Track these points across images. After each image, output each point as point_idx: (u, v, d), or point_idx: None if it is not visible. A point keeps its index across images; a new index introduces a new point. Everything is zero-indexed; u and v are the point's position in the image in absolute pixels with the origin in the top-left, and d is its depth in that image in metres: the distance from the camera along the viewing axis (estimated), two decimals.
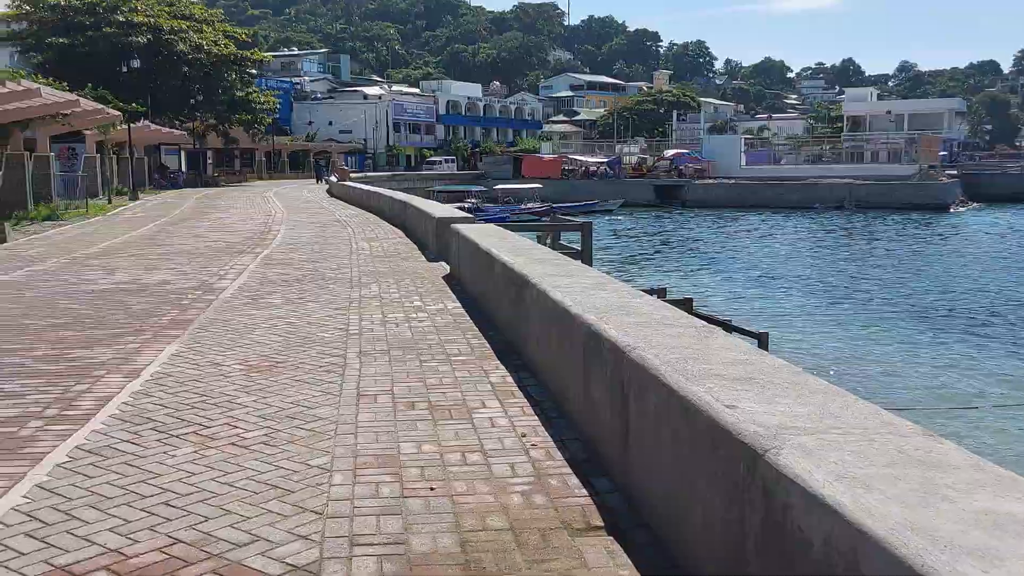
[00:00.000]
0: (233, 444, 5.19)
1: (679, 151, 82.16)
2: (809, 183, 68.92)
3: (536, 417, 5.67)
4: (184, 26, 55.19)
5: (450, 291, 11.12)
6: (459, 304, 10.08)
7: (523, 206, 52.45)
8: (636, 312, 5.20)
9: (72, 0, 52.08)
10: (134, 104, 41.52)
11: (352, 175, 51.21)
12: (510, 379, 6.63)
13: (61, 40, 50.31)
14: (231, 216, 27.38)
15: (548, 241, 15.22)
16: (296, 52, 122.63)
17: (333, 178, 48.56)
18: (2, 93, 20.79)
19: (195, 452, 5.04)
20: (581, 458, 4.87)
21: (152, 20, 52.78)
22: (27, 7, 52.38)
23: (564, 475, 4.63)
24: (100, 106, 32.33)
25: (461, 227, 12.13)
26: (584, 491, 4.41)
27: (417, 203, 20.12)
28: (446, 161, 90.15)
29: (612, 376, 4.49)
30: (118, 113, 35.75)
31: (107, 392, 6.32)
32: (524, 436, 5.30)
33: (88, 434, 5.35)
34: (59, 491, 4.44)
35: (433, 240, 15.32)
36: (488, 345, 7.87)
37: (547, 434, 5.32)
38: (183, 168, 62.72)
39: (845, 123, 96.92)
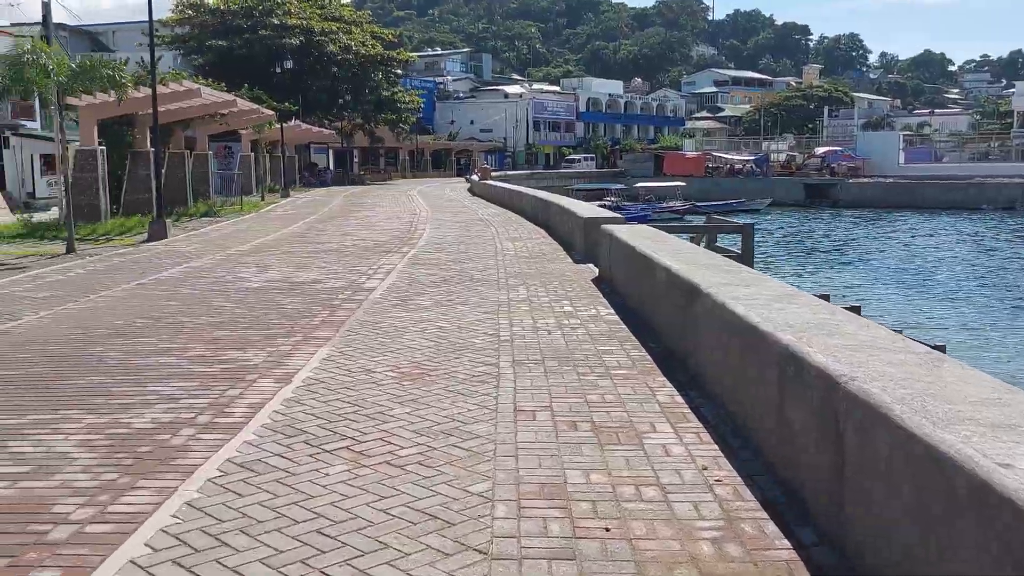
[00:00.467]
0: (387, 463, 4.83)
1: (831, 148, 78.68)
2: (975, 182, 64.53)
3: (715, 445, 5.07)
4: (334, 27, 56.82)
5: (601, 295, 10.59)
6: (612, 310, 9.53)
7: (664, 204, 51.27)
8: (840, 332, 4.52)
9: (231, 4, 54.48)
10: (286, 104, 42.92)
11: (492, 174, 51.41)
12: (679, 398, 6.05)
13: (220, 43, 52.66)
14: (377, 214, 27.75)
15: (703, 243, 14.44)
16: (439, 52, 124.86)
17: (474, 177, 48.88)
18: (165, 93, 21.66)
19: (348, 471, 4.70)
20: (777, 500, 4.24)
21: (304, 22, 54.55)
22: (190, 12, 55.14)
23: (759, 520, 4.03)
24: (255, 106, 33.48)
25: (613, 228, 11.57)
26: (786, 542, 3.79)
27: (561, 202, 19.68)
28: (585, 159, 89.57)
29: (820, 407, 3.85)
30: (272, 113, 36.98)
31: (259, 398, 6.12)
32: (705, 469, 4.71)
33: (240, 445, 5.12)
34: (209, 511, 4.17)
35: (580, 241, 14.82)
36: (649, 357, 7.30)
37: (731, 467, 4.72)
38: (331, 166, 64.73)
39: (1015, 118, 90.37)
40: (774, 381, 4.50)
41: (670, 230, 12.70)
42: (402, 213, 28.12)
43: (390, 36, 65.54)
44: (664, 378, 6.60)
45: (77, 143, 21.68)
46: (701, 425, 5.44)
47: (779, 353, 4.44)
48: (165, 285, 11.96)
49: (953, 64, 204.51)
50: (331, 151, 66.29)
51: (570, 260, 14.31)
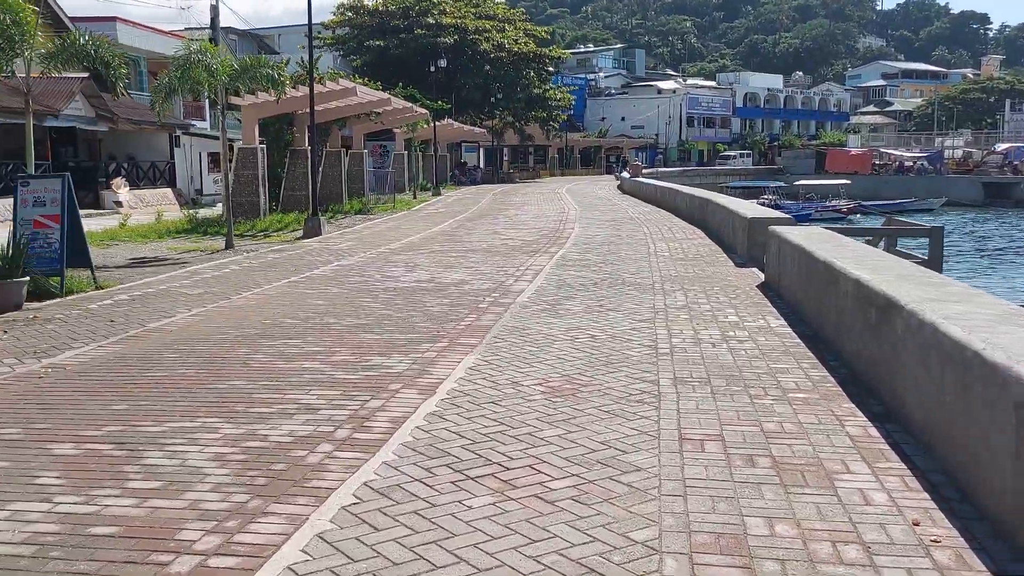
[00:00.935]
0: (537, 497, 4.28)
1: (1014, 144, 72.83)
2: None
3: (925, 495, 4.25)
4: (488, 26, 57.17)
5: (768, 303, 9.71)
6: (783, 321, 8.67)
7: (827, 203, 48.67)
8: None
9: (389, 5, 55.71)
10: (439, 102, 43.38)
11: (643, 171, 50.32)
12: (874, 431, 5.21)
13: (377, 43, 53.93)
14: (526, 213, 27.42)
15: (880, 246, 13.20)
16: (592, 48, 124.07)
17: (625, 174, 48.00)
18: (323, 92, 22.02)
19: (494, 505, 4.18)
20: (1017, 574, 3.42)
21: (459, 21, 55.11)
22: (349, 13, 56.78)
23: None
24: (409, 104, 33.86)
25: (782, 230, 10.63)
26: None
27: (720, 200, 18.68)
28: (741, 155, 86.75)
29: None
30: (424, 111, 37.36)
31: (401, 412, 5.71)
32: (917, 525, 3.91)
33: (378, 467, 4.69)
34: (341, 547, 3.74)
35: (742, 242, 13.89)
36: (831, 378, 6.45)
37: (949, 525, 3.91)
38: (480, 164, 65.29)
39: None
40: (1010, 425, 3.66)
41: (846, 232, 11.60)
42: (550, 211, 27.68)
43: (543, 33, 65.37)
44: (852, 405, 5.77)
45: (240, 142, 22.36)
46: (905, 468, 4.61)
47: (1020, 392, 3.59)
48: (315, 283, 11.90)
49: None
50: (481, 149, 66.85)
51: (731, 263, 13.41)
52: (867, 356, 6.20)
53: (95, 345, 7.84)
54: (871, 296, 6.12)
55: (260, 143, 22.44)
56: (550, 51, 63.01)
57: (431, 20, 54.01)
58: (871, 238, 14.64)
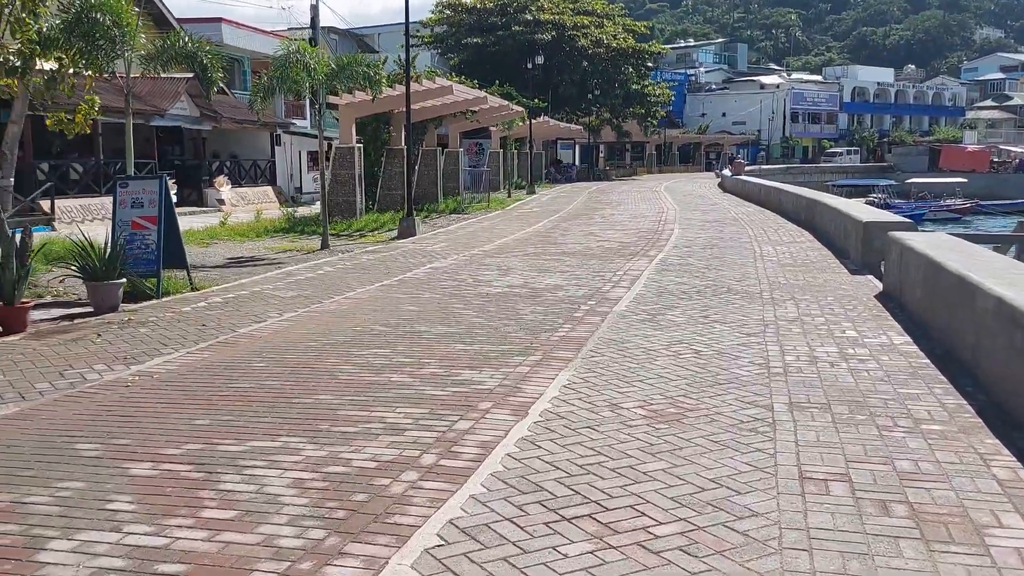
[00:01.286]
0: (640, 545, 3.83)
1: None
2: None
3: None
4: (586, 22, 56.52)
5: (890, 317, 8.97)
6: (907, 337, 7.95)
7: (941, 203, 46.35)
8: None
9: (487, 2, 55.64)
10: (535, 100, 43.02)
11: (745, 168, 48.88)
12: None
13: (475, 40, 53.93)
14: (623, 213, 26.80)
15: (1011, 253, 12.21)
16: (692, 43, 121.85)
17: (726, 171, 46.75)
18: (419, 90, 21.89)
19: (592, 554, 3.75)
20: None
21: (557, 18, 54.65)
22: (448, 11, 56.96)
23: None
24: (505, 102, 33.61)
25: (904, 236, 9.85)
26: None
27: (829, 201, 17.75)
28: (848, 152, 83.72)
29: None
30: (520, 109, 37.06)
31: (491, 435, 5.32)
32: None
33: (465, 502, 4.31)
34: None
35: (856, 248, 13.06)
36: (969, 407, 5.78)
37: None
38: (576, 162, 64.71)
39: None
40: None
41: (973, 239, 10.70)
42: (648, 211, 27.00)
43: (642, 28, 64.34)
44: (996, 440, 5.12)
45: (337, 141, 22.46)
46: None
47: None
48: (408, 287, 11.66)
49: None
50: (577, 146, 66.23)
51: (844, 270, 12.60)
52: (1012, 384, 5.52)
53: (184, 351, 7.72)
54: (1017, 317, 5.44)
55: (357, 142, 22.49)
56: (649, 46, 61.98)
57: (529, 17, 53.71)
58: (998, 245, 13.59)
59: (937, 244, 8.87)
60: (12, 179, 21.01)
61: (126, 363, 7.25)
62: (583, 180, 57.20)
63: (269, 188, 33.69)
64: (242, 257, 15.59)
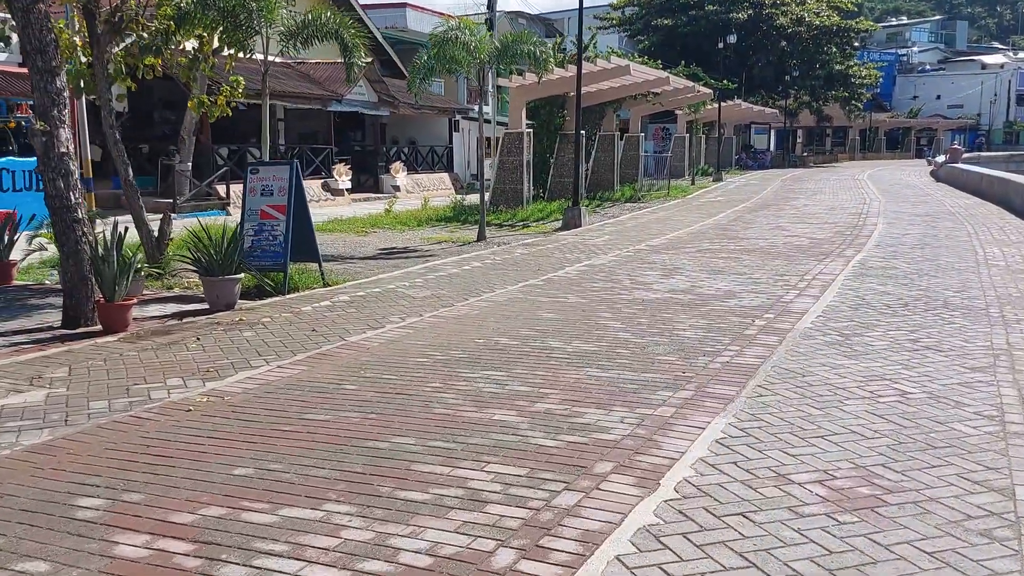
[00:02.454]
0: None
1: None
2: None
3: None
4: None
5: None
6: None
7: None
8: None
9: None
10: (725, 81, 40.44)
11: (963, 156, 44.02)
12: None
13: (666, 22, 51.69)
14: (818, 204, 24.22)
15: None
16: (905, 21, 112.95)
17: (940, 158, 42.32)
18: (593, 72, 20.41)
19: None
20: None
21: None
22: None
23: None
24: (691, 84, 31.51)
25: None
26: None
27: None
28: None
29: None
30: (708, 91, 34.76)
31: (600, 522, 3.85)
32: None
33: None
34: None
35: None
36: None
37: None
38: (771, 148, 61.10)
39: None
40: None
41: None
42: (847, 202, 24.28)
43: (849, 5, 59.43)
44: None
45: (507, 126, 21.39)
46: None
47: None
48: (554, 288, 10.29)
49: None
50: (772, 131, 62.44)
51: None
52: None
53: (276, 364, 6.71)
54: None
55: (528, 127, 21.31)
56: (856, 23, 57.23)
57: None
58: None
59: None
60: (190, 163, 21.50)
61: (204, 378, 6.29)
62: (777, 167, 53.70)
63: (445, 175, 33.27)
64: (394, 248, 14.76)
